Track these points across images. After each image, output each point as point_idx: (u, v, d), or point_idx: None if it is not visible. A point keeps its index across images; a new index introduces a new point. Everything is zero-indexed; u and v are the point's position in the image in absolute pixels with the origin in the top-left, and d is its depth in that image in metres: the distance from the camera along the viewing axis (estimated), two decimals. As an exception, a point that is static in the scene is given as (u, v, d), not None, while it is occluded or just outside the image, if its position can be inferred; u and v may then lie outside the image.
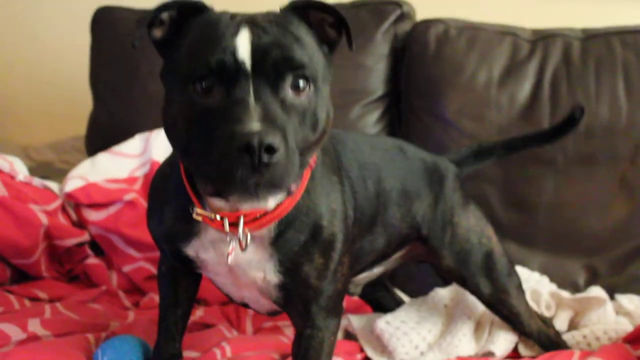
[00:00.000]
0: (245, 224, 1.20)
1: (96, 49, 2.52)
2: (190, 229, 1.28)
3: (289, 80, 1.09)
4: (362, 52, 2.29)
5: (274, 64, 1.08)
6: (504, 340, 1.73)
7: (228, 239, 1.22)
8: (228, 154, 1.01)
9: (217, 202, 1.20)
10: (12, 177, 2.03)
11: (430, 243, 1.63)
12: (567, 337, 1.79)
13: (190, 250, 1.31)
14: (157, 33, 1.18)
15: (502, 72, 2.18)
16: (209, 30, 1.12)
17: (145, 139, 2.22)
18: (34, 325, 1.61)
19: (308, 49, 1.13)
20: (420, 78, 2.25)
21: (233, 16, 1.15)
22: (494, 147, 1.83)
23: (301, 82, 1.10)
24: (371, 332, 1.77)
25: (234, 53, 1.07)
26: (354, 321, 1.82)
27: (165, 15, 1.17)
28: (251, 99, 1.05)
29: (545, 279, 2.03)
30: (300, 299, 1.29)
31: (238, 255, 1.24)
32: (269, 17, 1.15)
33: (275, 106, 1.06)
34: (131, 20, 2.47)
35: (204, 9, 1.17)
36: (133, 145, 2.22)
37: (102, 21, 2.51)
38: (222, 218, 1.20)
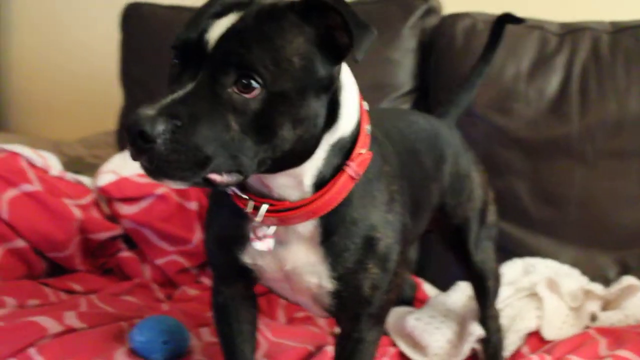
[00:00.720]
0: (269, 211, 1.14)
1: (126, 45, 2.56)
2: (244, 233, 1.22)
3: (232, 76, 1.00)
4: (389, 46, 2.29)
5: (225, 57, 1.00)
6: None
7: (256, 224, 1.17)
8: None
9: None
10: (46, 172, 2.07)
11: (448, 204, 1.59)
12: (603, 318, 1.80)
13: (247, 257, 1.26)
14: None
15: (530, 66, 2.17)
16: (205, 7, 1.08)
17: (175, 134, 2.23)
18: (70, 318, 1.64)
19: (280, 50, 1.01)
20: (448, 72, 2.25)
21: None
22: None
23: (253, 83, 0.99)
24: (402, 328, 1.78)
25: (196, 36, 1.02)
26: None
27: None
28: (182, 83, 1.01)
29: (575, 272, 2.03)
30: (352, 307, 1.25)
31: (295, 261, 1.20)
32: (266, 7, 1.05)
33: (201, 97, 0.99)
34: (160, 15, 2.50)
35: None
36: (163, 139, 2.23)
37: (132, 17, 2.54)
38: (249, 199, 1.16)
